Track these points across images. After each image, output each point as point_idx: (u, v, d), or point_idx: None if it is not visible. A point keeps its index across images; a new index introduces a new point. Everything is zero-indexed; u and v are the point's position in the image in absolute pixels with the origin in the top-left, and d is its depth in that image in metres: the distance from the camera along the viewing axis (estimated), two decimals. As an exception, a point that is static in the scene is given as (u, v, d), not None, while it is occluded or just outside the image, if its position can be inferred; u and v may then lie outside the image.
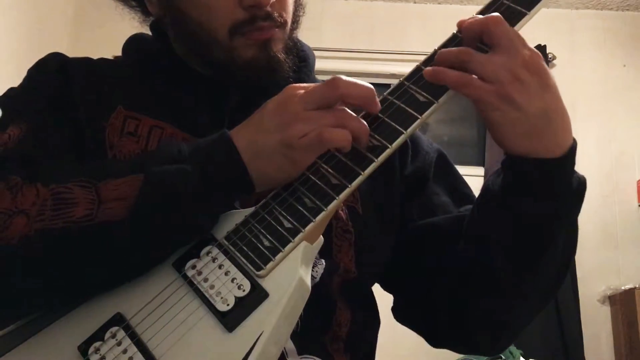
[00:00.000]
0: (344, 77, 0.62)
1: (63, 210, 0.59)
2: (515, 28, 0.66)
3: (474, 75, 0.61)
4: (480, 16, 0.64)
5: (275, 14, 0.76)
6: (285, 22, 0.78)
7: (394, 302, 0.89)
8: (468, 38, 0.64)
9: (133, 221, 0.58)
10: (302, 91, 0.62)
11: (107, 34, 3.10)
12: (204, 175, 0.60)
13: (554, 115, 0.62)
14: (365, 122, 0.62)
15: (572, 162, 0.65)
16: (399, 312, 0.88)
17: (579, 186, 0.66)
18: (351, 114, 0.62)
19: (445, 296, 0.78)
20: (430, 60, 0.66)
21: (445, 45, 0.67)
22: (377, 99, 0.64)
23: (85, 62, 0.84)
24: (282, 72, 0.78)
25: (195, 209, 0.60)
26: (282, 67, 0.78)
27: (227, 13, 0.74)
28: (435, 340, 0.85)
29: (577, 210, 0.69)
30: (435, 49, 0.67)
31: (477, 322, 0.77)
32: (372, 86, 0.63)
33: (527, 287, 0.72)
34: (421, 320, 0.85)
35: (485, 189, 0.72)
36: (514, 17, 0.66)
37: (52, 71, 0.80)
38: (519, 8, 0.67)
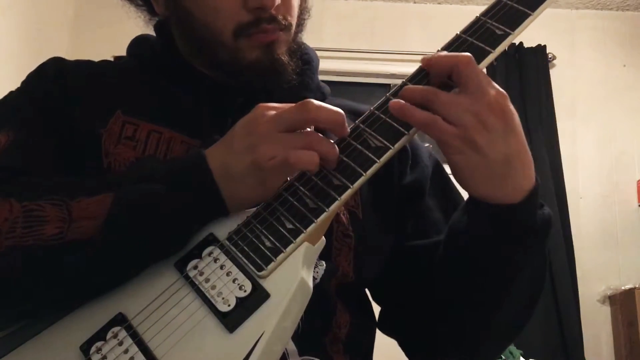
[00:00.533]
0: (314, 101, 0.61)
1: (34, 228, 0.59)
2: (520, 29, 0.66)
3: (438, 117, 0.60)
4: (448, 53, 0.63)
5: (280, 17, 0.76)
6: (290, 25, 0.79)
7: (379, 313, 0.90)
8: (436, 74, 0.63)
9: (102, 240, 0.59)
10: (272, 112, 0.62)
11: (107, 34, 3.10)
12: (174, 198, 0.60)
13: (516, 160, 0.61)
14: (333, 143, 0.62)
15: (533, 205, 0.64)
16: (381, 323, 0.89)
17: (543, 225, 0.66)
18: (320, 137, 0.61)
19: (417, 318, 0.80)
20: (398, 92, 0.65)
21: (413, 77, 0.66)
22: (346, 124, 0.63)
23: (86, 66, 0.84)
24: (286, 74, 0.78)
25: (164, 231, 0.60)
26: (286, 70, 0.78)
27: (232, 14, 0.75)
28: (408, 352, 0.86)
29: (541, 247, 0.69)
30: (403, 82, 0.66)
31: (444, 347, 0.80)
32: (341, 111, 0.62)
33: (491, 322, 0.73)
34: (396, 333, 0.87)
35: (450, 226, 0.73)
36: (518, 19, 0.66)
37: (49, 78, 0.80)
38: (522, 9, 0.67)
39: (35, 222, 0.59)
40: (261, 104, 0.63)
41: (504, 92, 0.61)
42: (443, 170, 0.91)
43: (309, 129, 0.62)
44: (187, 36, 0.81)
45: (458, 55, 0.61)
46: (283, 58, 0.78)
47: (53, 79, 0.80)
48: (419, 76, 0.66)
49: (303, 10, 0.83)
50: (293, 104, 0.62)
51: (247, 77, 0.77)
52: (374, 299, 0.89)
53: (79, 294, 0.61)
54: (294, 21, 0.80)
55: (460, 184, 0.65)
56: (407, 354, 0.86)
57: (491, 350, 0.79)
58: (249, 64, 0.76)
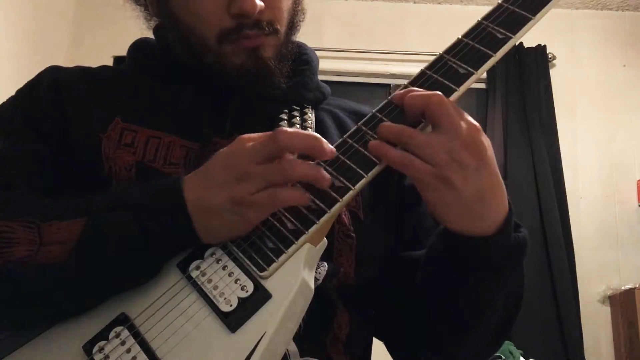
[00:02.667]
0: (286, 130, 0.60)
1: (4, 249, 0.59)
2: (521, 33, 0.66)
3: (413, 157, 0.60)
4: (419, 93, 0.62)
5: (264, 22, 0.76)
6: (276, 30, 0.78)
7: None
8: (409, 112, 0.63)
9: (69, 267, 0.59)
10: (250, 143, 0.60)
11: (107, 34, 3.11)
12: (145, 229, 0.60)
13: (489, 194, 0.62)
14: (313, 166, 0.61)
15: (507, 233, 0.65)
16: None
17: (517, 249, 0.67)
18: (298, 164, 0.60)
19: (401, 326, 0.81)
20: (371, 122, 0.65)
21: (383, 109, 0.65)
22: (325, 145, 0.61)
23: (83, 74, 0.84)
24: (274, 78, 0.78)
25: (132, 263, 0.60)
26: (273, 74, 0.78)
27: (216, 20, 0.75)
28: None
29: (518, 268, 0.70)
30: (373, 112, 0.65)
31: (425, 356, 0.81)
32: (317, 135, 0.61)
33: (463, 344, 0.74)
34: (381, 337, 0.87)
35: (428, 250, 0.74)
36: (519, 22, 0.67)
37: (43, 89, 0.80)
38: (523, 13, 0.67)
39: (5, 243, 0.60)
40: (241, 136, 0.62)
41: (477, 124, 0.61)
42: None
43: (290, 156, 0.61)
44: (177, 40, 0.81)
45: (429, 96, 0.61)
46: (270, 63, 0.77)
47: (47, 89, 0.80)
48: (389, 108, 0.65)
49: (296, 12, 0.83)
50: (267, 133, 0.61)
51: (235, 81, 0.77)
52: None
53: (44, 318, 0.61)
54: (282, 25, 0.79)
55: (436, 218, 0.65)
56: (392, 356, 0.87)
57: None
58: (235, 68, 0.76)
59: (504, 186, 0.64)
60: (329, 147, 0.61)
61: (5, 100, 0.82)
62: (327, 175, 0.60)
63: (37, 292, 0.60)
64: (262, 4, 0.74)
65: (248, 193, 0.58)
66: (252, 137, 0.61)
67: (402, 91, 0.64)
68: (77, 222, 0.61)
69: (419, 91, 0.63)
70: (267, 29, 0.76)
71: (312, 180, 0.60)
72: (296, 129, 0.61)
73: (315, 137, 0.61)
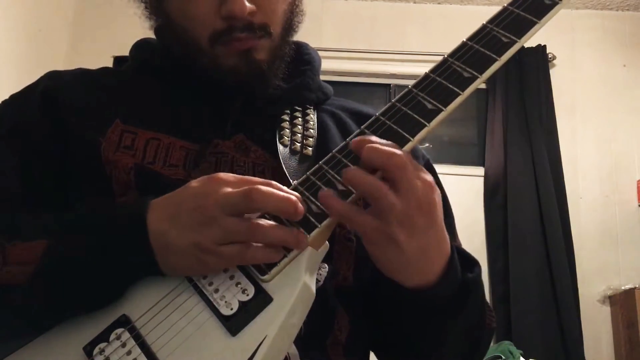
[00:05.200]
0: (261, 189, 0.58)
1: None
2: (526, 37, 0.66)
3: (360, 210, 0.60)
4: (378, 148, 0.59)
5: (257, 24, 0.75)
6: (269, 32, 0.77)
7: None
8: (366, 164, 0.60)
9: (29, 288, 0.59)
10: (225, 189, 0.58)
11: (107, 34, 3.10)
12: (106, 255, 0.60)
13: (433, 250, 0.62)
14: (285, 231, 0.59)
15: (449, 280, 0.65)
16: None
17: (464, 293, 0.68)
18: (270, 230, 0.58)
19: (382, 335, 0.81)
20: (330, 162, 0.63)
21: (342, 150, 0.64)
22: (298, 206, 0.59)
23: (83, 76, 0.84)
24: (268, 80, 0.78)
25: (93, 286, 0.60)
26: (266, 76, 0.78)
27: (207, 22, 0.75)
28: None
29: (471, 305, 0.70)
30: (333, 152, 0.64)
31: None
32: (293, 198, 0.59)
33: None
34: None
35: (382, 288, 0.73)
36: (525, 26, 0.67)
37: (34, 98, 0.79)
38: (529, 17, 0.67)
39: None
40: (216, 176, 0.60)
41: (431, 181, 0.60)
42: (434, 171, 0.91)
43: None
44: (174, 41, 0.81)
45: (388, 156, 0.58)
46: (262, 65, 0.77)
47: (39, 97, 0.79)
48: (345, 150, 0.64)
49: (294, 13, 0.82)
50: (251, 181, 0.59)
51: (228, 82, 0.77)
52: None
53: (7, 336, 0.61)
54: (276, 27, 0.78)
55: (377, 267, 0.65)
56: None
57: None
58: (228, 70, 0.76)
59: (447, 239, 0.64)
60: (301, 209, 0.59)
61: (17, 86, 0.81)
62: (302, 238, 0.59)
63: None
64: (252, 6, 0.74)
65: (214, 243, 0.57)
66: (228, 181, 0.59)
67: (359, 138, 0.61)
68: (39, 243, 0.61)
69: (378, 141, 0.60)
70: (258, 31, 0.76)
71: (286, 245, 0.59)
72: (271, 189, 0.58)
73: (291, 201, 0.58)
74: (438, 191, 0.61)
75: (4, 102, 0.82)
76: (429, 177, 0.60)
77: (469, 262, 0.72)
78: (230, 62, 0.76)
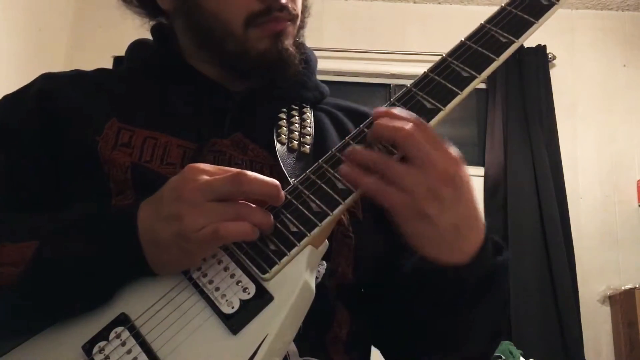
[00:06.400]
0: (248, 174, 0.58)
1: None
2: (524, 37, 0.66)
3: (384, 183, 0.59)
4: (387, 125, 0.60)
5: (290, 7, 0.78)
6: (297, 16, 0.80)
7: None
8: (379, 142, 0.61)
9: (20, 289, 0.60)
10: (202, 176, 0.58)
11: (107, 34, 3.10)
12: (97, 255, 0.60)
13: (464, 226, 0.62)
14: (265, 212, 0.60)
15: (482, 261, 0.64)
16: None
17: (492, 277, 0.67)
18: (252, 209, 0.59)
19: (393, 329, 0.80)
20: (343, 148, 0.63)
21: (356, 136, 0.64)
22: (282, 194, 0.61)
23: (79, 77, 0.84)
24: (293, 65, 0.79)
25: (84, 287, 0.60)
26: (293, 61, 0.79)
27: (244, 3, 0.76)
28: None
29: (497, 289, 0.69)
30: (346, 139, 0.64)
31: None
32: (276, 182, 0.60)
33: (454, 356, 0.75)
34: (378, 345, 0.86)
35: (412, 268, 0.72)
36: (523, 26, 0.67)
37: (27, 99, 0.79)
38: (527, 17, 0.67)
39: None
40: (192, 165, 0.60)
41: (456, 156, 0.60)
42: None
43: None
44: (193, 30, 0.82)
45: (397, 129, 0.58)
46: (290, 49, 0.79)
47: (34, 99, 0.79)
48: (360, 136, 0.64)
49: (305, 7, 0.85)
50: (228, 170, 0.59)
51: (255, 67, 0.78)
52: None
53: (8, 338, 0.61)
54: (299, 14, 0.81)
55: (410, 245, 0.64)
56: None
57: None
58: (258, 54, 0.77)
59: (481, 217, 0.64)
60: (283, 196, 0.60)
61: (18, 85, 0.81)
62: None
63: None
64: None
65: (195, 230, 0.56)
66: (205, 170, 0.59)
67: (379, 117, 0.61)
68: (29, 244, 0.61)
69: (394, 116, 0.60)
70: (293, 12, 0.78)
71: (262, 227, 0.59)
72: (256, 174, 0.59)
73: (275, 185, 0.59)
74: (465, 168, 0.60)
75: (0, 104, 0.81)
76: (453, 152, 0.60)
77: (499, 246, 0.70)
78: (262, 46, 0.77)
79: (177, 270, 0.61)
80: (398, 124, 0.59)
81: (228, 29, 0.77)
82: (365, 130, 0.64)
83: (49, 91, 0.80)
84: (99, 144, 0.75)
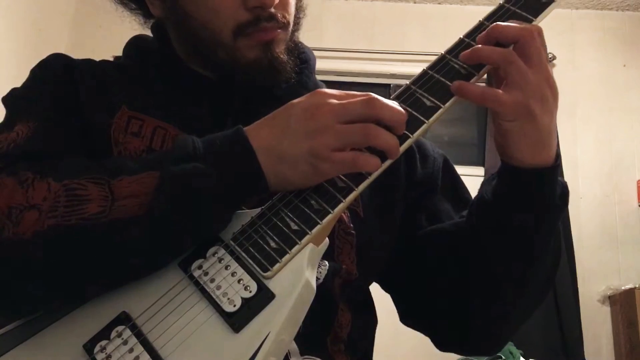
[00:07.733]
0: (380, 99, 0.62)
1: (76, 207, 0.58)
2: None
3: (499, 90, 0.64)
4: (515, 24, 0.65)
5: (279, 15, 0.77)
6: (288, 23, 0.79)
7: (399, 308, 0.89)
8: (494, 37, 0.65)
9: (148, 219, 0.58)
10: (334, 100, 0.61)
11: (107, 34, 3.10)
12: (220, 176, 0.60)
13: (553, 131, 0.67)
14: (393, 136, 0.62)
15: (559, 167, 0.70)
16: (404, 318, 0.88)
17: (563, 190, 0.72)
18: (382, 133, 0.61)
19: (445, 299, 0.79)
20: (456, 49, 0.67)
21: (471, 33, 0.68)
22: (405, 118, 0.63)
23: (89, 63, 0.84)
24: (285, 73, 0.79)
25: (212, 210, 0.60)
26: (285, 68, 0.78)
27: (231, 14, 0.75)
28: (440, 344, 0.85)
29: (562, 214, 0.75)
30: (463, 39, 0.68)
31: (478, 324, 0.79)
32: (404, 112, 0.63)
33: (526, 286, 0.75)
34: (425, 324, 0.86)
35: (479, 198, 0.75)
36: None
37: (56, 71, 0.80)
38: (524, 14, 0.67)
39: (77, 200, 0.59)
40: (320, 90, 0.63)
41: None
42: (450, 163, 0.92)
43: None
44: (184, 38, 0.82)
45: (525, 28, 0.64)
46: (282, 57, 0.78)
47: (60, 71, 0.80)
48: (477, 32, 0.68)
49: (299, 9, 0.84)
50: (356, 95, 0.62)
51: (246, 76, 0.77)
52: (387, 291, 0.90)
53: (120, 275, 0.61)
54: (291, 19, 0.80)
55: (502, 150, 0.69)
56: (438, 347, 0.86)
57: (522, 317, 0.81)
58: (248, 63, 0.77)
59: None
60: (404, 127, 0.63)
61: (11, 88, 0.81)
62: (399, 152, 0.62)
63: (113, 248, 0.59)
64: None
65: (328, 148, 0.59)
66: (334, 94, 0.62)
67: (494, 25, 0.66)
68: (149, 174, 0.60)
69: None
70: (281, 21, 0.77)
71: (391, 151, 0.62)
72: (385, 99, 0.63)
73: (404, 114, 0.62)
74: None
75: (30, 80, 0.81)
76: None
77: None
78: (252, 54, 0.77)
79: (297, 187, 0.62)
80: (519, 24, 0.65)
81: (217, 39, 0.76)
82: (486, 23, 0.68)
83: (71, 67, 0.81)
84: (112, 126, 0.75)
